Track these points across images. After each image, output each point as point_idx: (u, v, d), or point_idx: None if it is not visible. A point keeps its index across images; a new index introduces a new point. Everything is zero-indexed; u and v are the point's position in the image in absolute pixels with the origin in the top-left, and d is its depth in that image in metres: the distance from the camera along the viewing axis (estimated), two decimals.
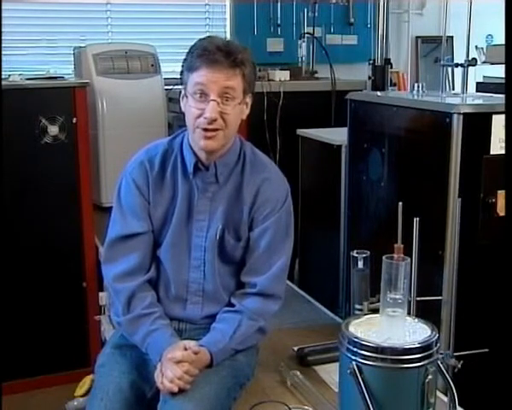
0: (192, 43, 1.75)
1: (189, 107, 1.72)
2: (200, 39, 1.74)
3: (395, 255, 1.46)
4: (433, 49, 4.81)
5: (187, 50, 1.75)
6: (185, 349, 1.66)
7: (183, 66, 1.75)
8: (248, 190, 1.80)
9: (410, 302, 1.77)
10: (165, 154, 1.83)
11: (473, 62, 2.53)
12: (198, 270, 1.81)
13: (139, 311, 1.75)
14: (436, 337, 1.42)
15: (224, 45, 1.70)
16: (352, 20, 4.56)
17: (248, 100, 1.79)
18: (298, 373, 1.92)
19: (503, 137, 1.82)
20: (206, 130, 1.70)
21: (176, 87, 3.54)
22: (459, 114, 2.09)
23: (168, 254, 1.81)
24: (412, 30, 4.83)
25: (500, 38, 3.68)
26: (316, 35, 4.25)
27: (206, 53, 1.68)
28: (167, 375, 1.61)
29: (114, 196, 1.86)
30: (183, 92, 1.77)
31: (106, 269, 1.84)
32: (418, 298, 1.93)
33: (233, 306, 1.79)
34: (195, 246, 1.81)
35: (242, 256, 1.82)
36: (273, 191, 1.81)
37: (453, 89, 4.48)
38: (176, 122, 3.69)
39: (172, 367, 1.61)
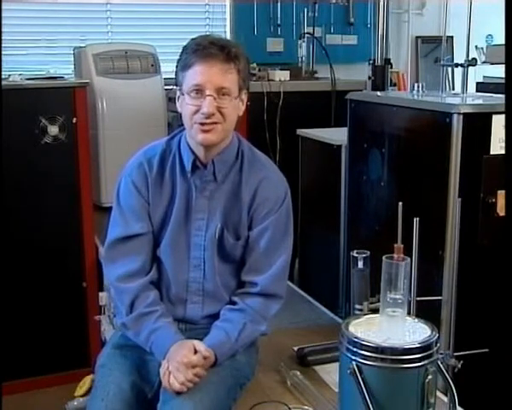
0: None
1: (186, 104, 1.73)
2: (193, 38, 1.75)
3: (395, 255, 1.46)
4: (433, 49, 4.81)
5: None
6: (195, 351, 1.65)
7: (177, 66, 1.76)
8: (247, 188, 1.80)
9: (410, 302, 1.77)
10: (163, 154, 1.83)
11: (473, 62, 2.53)
12: (198, 269, 1.81)
13: (142, 309, 1.75)
14: (436, 337, 1.42)
15: (217, 40, 1.72)
16: (352, 20, 4.57)
17: (244, 96, 1.79)
18: (298, 373, 1.92)
19: (503, 137, 1.82)
20: (203, 124, 1.70)
21: (176, 87, 3.54)
22: (459, 114, 2.09)
23: (168, 253, 1.81)
24: (412, 30, 4.83)
25: (500, 38, 3.68)
26: (316, 35, 4.25)
27: (200, 48, 1.69)
28: (178, 377, 1.61)
29: (114, 197, 1.86)
30: (178, 93, 1.78)
31: (107, 270, 1.85)
32: (418, 298, 1.93)
33: (235, 304, 1.79)
34: (195, 245, 1.81)
35: (242, 255, 1.81)
36: (272, 190, 1.81)
37: (453, 89, 4.48)
38: (176, 122, 3.69)
39: (185, 371, 1.61)
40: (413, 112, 2.34)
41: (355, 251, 1.85)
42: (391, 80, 3.78)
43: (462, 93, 2.53)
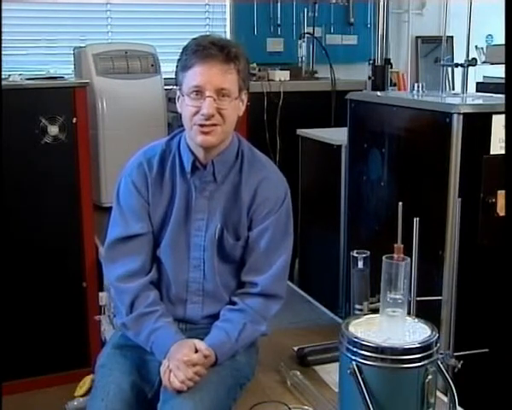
0: None
1: (186, 106, 1.73)
2: (193, 38, 1.75)
3: (395, 255, 1.46)
4: (433, 49, 4.81)
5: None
6: (196, 350, 1.66)
7: (177, 66, 1.76)
8: (247, 189, 1.80)
9: (410, 302, 1.77)
10: (163, 154, 1.83)
11: (473, 62, 2.53)
12: (197, 269, 1.81)
13: (142, 309, 1.75)
14: (436, 337, 1.42)
15: (217, 40, 1.72)
16: (352, 20, 4.57)
17: (244, 97, 1.79)
18: (298, 373, 1.92)
19: (503, 137, 1.82)
20: (202, 125, 1.70)
21: (176, 87, 3.54)
22: (459, 114, 2.09)
23: (168, 254, 1.82)
24: (412, 30, 4.83)
25: (500, 38, 3.68)
26: (316, 35, 4.26)
27: (200, 48, 1.69)
28: (179, 376, 1.61)
29: (113, 197, 1.86)
30: (178, 93, 1.78)
31: (107, 269, 1.85)
32: (418, 298, 1.93)
33: (235, 304, 1.79)
34: (194, 245, 1.81)
35: (242, 255, 1.82)
36: (272, 191, 1.81)
37: (453, 89, 4.48)
38: (176, 122, 3.69)
39: (186, 369, 1.62)
40: (413, 112, 2.34)
41: (355, 251, 1.85)
42: (391, 80, 3.78)
43: (462, 93, 2.53)
